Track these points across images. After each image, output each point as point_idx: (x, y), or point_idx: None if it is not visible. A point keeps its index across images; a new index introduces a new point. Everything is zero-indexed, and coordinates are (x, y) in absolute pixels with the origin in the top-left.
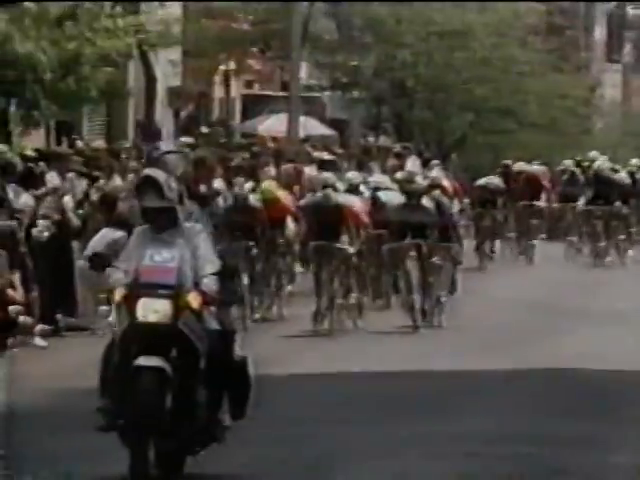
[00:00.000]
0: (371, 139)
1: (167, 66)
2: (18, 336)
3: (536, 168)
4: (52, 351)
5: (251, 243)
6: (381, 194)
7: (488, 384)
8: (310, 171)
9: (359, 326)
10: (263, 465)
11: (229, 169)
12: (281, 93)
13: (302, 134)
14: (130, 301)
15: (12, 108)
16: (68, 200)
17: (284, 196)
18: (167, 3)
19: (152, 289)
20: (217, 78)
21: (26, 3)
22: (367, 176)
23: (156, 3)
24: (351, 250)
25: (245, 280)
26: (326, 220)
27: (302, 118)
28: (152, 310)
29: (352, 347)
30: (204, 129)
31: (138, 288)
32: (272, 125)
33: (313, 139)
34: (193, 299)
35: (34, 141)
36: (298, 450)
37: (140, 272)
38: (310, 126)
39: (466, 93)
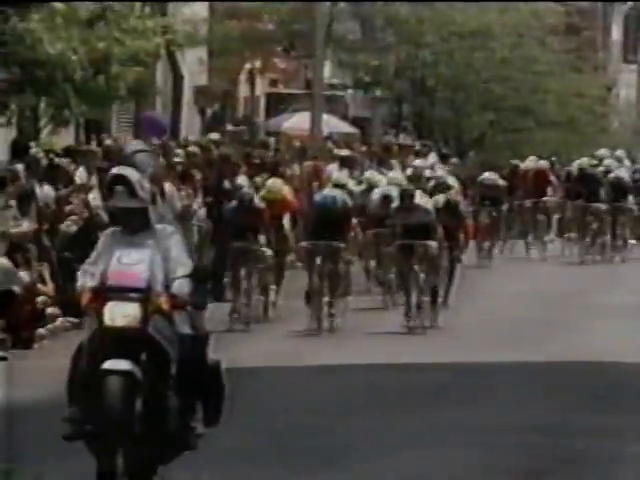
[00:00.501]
0: (392, 137)
1: (194, 65)
2: (48, 327)
3: (542, 163)
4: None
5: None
6: (393, 192)
7: (504, 376)
8: (332, 168)
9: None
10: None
11: (253, 166)
12: (305, 91)
13: (325, 132)
14: (98, 305)
15: (42, 106)
16: (95, 196)
17: (289, 194)
18: (194, 4)
19: (121, 292)
20: (242, 77)
21: (56, 4)
22: (387, 173)
23: (183, 4)
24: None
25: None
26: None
27: (325, 116)
28: (121, 314)
29: (375, 343)
30: (229, 127)
31: (106, 291)
32: (296, 123)
33: (335, 137)
34: (164, 302)
35: (64, 139)
36: (320, 439)
37: (108, 275)
38: (333, 124)
39: (485, 92)
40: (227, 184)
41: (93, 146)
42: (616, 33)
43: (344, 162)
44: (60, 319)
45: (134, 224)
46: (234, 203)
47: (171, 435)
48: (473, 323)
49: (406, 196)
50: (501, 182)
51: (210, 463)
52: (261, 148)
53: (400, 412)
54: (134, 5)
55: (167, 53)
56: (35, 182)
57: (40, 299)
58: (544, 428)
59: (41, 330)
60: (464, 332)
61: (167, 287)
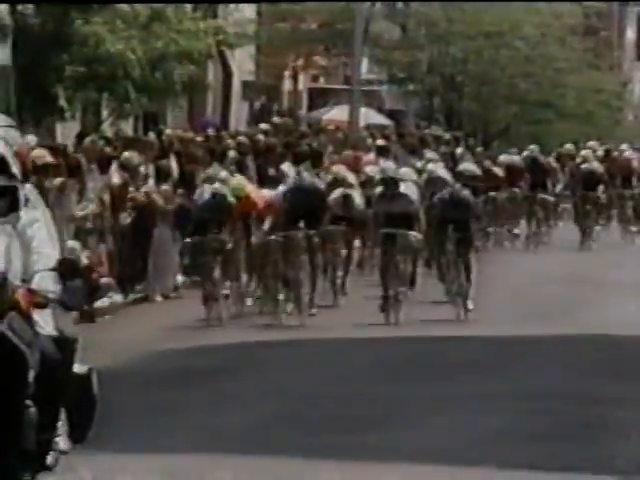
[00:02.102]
0: (424, 129)
1: (242, 63)
2: (109, 303)
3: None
4: (141, 316)
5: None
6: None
7: (527, 348)
8: (369, 157)
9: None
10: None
11: (296, 155)
12: (344, 86)
13: (362, 123)
14: None
15: (104, 101)
16: (152, 184)
17: (254, 192)
18: (242, 7)
19: None
20: (287, 73)
21: (117, 7)
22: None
23: (232, 7)
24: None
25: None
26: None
27: (362, 109)
28: None
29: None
30: (275, 119)
31: None
32: (335, 115)
33: (372, 128)
34: (21, 298)
35: (124, 130)
36: (356, 406)
37: None
38: (369, 116)
39: (510, 87)
40: (272, 171)
41: (151, 137)
42: (630, 33)
43: (380, 151)
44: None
45: (2, 206)
46: (206, 197)
47: (27, 453)
48: (500, 300)
49: (390, 184)
50: (479, 173)
51: (256, 428)
52: (301, 138)
53: (431, 381)
54: (187, 8)
55: (218, 52)
56: (96, 170)
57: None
58: (564, 396)
59: (101, 305)
60: (492, 308)
61: (26, 281)
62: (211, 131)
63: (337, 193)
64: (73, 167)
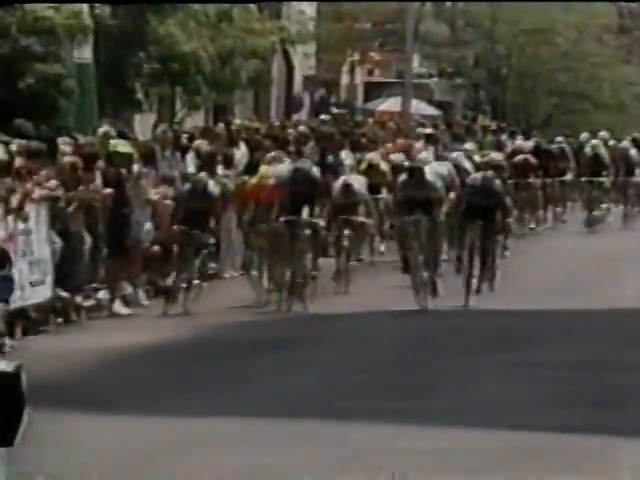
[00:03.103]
0: (471, 119)
1: (303, 58)
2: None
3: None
4: (213, 292)
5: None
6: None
7: (561, 321)
8: (419, 145)
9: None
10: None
11: (353, 143)
12: (396, 80)
13: (413, 114)
14: None
15: (178, 94)
16: (220, 171)
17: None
18: (304, 7)
19: None
20: (344, 68)
21: (191, 6)
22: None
23: (295, 7)
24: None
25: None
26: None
27: (413, 100)
28: None
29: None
30: (333, 110)
31: None
32: (389, 106)
33: (422, 118)
34: None
35: (196, 121)
36: (416, 374)
37: None
38: (420, 107)
39: (550, 80)
40: (330, 158)
41: (219, 127)
42: None
43: (428, 139)
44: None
45: None
46: (187, 187)
47: None
48: (535, 277)
49: (415, 171)
50: (503, 162)
51: (316, 394)
52: (357, 127)
53: (477, 351)
54: (253, 8)
55: (281, 49)
56: (172, 157)
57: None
58: (594, 365)
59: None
60: (528, 284)
61: None
62: (295, 115)
63: (339, 182)
64: (148, 155)
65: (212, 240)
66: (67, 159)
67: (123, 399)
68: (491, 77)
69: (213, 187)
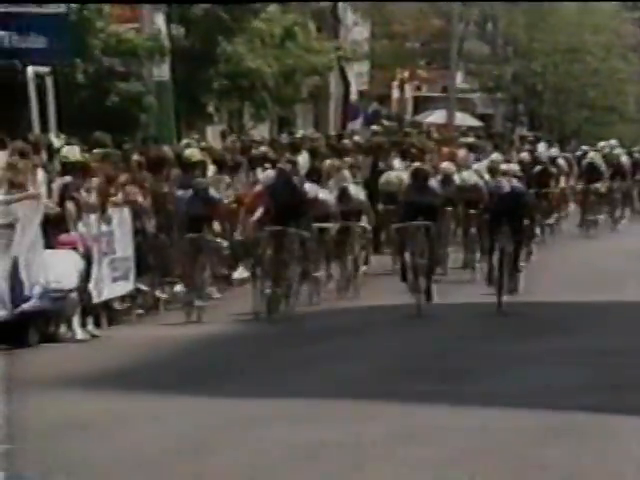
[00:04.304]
0: (510, 130)
1: (358, 75)
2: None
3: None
4: None
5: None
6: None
7: (594, 312)
8: (463, 153)
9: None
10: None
11: (403, 151)
12: (442, 94)
13: (457, 125)
14: None
15: (245, 108)
16: None
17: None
18: (358, 28)
19: None
20: (394, 83)
21: (256, 26)
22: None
23: (350, 28)
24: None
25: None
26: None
27: (457, 113)
28: None
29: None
30: (385, 122)
31: None
32: (435, 118)
33: (465, 129)
34: None
35: (261, 131)
36: (449, 359)
37: None
38: (463, 119)
39: (581, 95)
40: (381, 165)
41: (283, 137)
42: None
43: (471, 148)
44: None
45: None
46: (189, 193)
47: None
48: (569, 271)
49: (419, 176)
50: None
51: (373, 378)
52: (406, 137)
53: (517, 339)
54: (312, 30)
55: (338, 66)
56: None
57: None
58: (625, 351)
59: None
60: (562, 277)
61: None
62: (351, 125)
63: (336, 188)
64: (220, 163)
65: (225, 243)
66: (135, 157)
67: (197, 381)
68: (528, 92)
69: (214, 192)
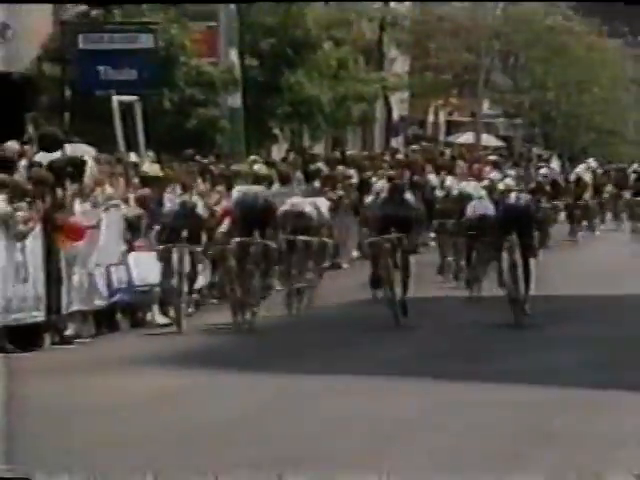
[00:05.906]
0: (527, 150)
1: (399, 102)
2: None
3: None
4: (334, 278)
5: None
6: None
7: (597, 304)
8: (487, 169)
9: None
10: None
11: (437, 167)
12: (470, 119)
13: (483, 145)
14: None
15: (304, 129)
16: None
17: None
18: (399, 63)
19: None
20: (430, 109)
21: (314, 58)
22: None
23: (393, 62)
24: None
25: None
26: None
27: (483, 135)
28: None
29: None
30: (422, 142)
31: None
32: (464, 139)
33: (490, 149)
34: None
35: (318, 150)
36: (464, 342)
37: None
38: (488, 140)
39: (590, 120)
40: (417, 178)
41: (335, 154)
42: None
43: (493, 165)
44: None
45: None
46: (176, 208)
47: None
48: (580, 271)
49: (395, 190)
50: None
51: (409, 360)
52: (440, 156)
53: (535, 326)
54: (362, 62)
55: (383, 95)
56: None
57: None
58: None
59: None
60: (574, 277)
61: None
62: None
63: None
64: (284, 177)
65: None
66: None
67: (263, 361)
68: (543, 117)
69: (201, 209)
